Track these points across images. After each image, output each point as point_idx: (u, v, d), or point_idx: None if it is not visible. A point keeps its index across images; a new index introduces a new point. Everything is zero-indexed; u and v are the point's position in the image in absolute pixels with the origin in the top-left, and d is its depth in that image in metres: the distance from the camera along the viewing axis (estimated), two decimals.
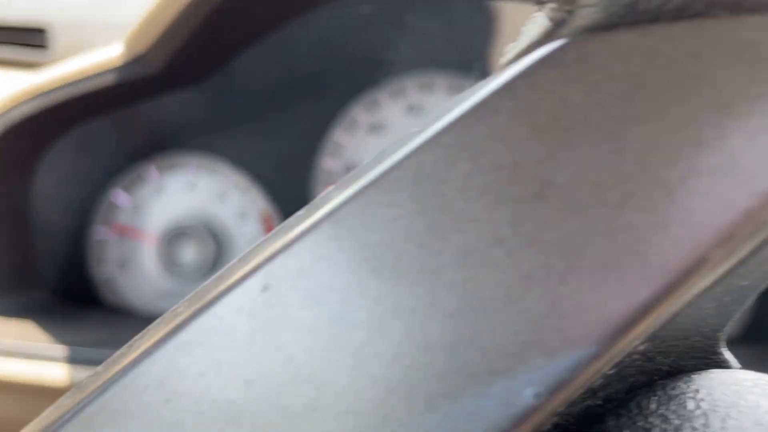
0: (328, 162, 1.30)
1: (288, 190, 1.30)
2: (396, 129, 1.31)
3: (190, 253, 1.25)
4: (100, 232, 1.27)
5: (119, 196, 1.27)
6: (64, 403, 0.28)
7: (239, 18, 0.96)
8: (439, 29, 1.18)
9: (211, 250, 1.25)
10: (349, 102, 1.28)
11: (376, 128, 1.32)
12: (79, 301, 1.21)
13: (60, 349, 0.87)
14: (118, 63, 0.91)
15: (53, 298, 1.14)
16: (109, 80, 0.91)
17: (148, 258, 1.28)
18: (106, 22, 1.33)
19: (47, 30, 1.32)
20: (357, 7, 1.09)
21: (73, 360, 0.85)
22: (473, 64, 1.21)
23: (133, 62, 0.92)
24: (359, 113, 1.30)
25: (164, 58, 0.92)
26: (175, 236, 1.24)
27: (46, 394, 0.86)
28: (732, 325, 1.26)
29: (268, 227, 1.30)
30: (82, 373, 0.84)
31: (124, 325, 1.09)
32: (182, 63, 0.94)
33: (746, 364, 0.94)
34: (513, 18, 1.14)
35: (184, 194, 1.30)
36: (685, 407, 0.27)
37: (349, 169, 1.32)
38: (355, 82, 1.26)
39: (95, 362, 0.86)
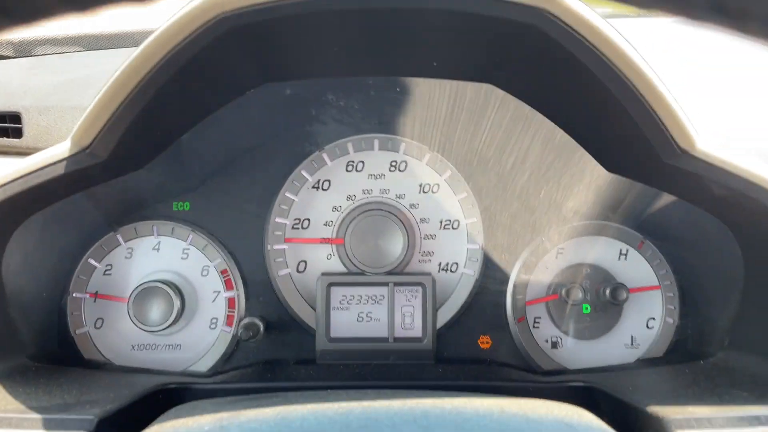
0: (277, 218, 1.37)
1: (243, 246, 1.36)
2: (339, 184, 1.38)
3: (157, 308, 1.30)
4: (75, 296, 1.33)
5: (91, 263, 1.33)
6: None
7: (173, 109, 1.02)
8: (357, 104, 1.25)
9: (176, 305, 1.30)
10: (292, 165, 1.35)
11: (320, 184, 1.38)
12: (58, 361, 1.26)
13: (24, 417, 0.92)
14: (65, 156, 0.98)
15: (31, 361, 1.19)
16: (57, 172, 0.97)
17: (120, 316, 1.33)
18: (74, 105, 1.40)
19: (22, 114, 1.39)
20: (281, 89, 1.16)
21: (35, 426, 0.90)
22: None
23: (79, 155, 0.98)
24: (304, 173, 1.37)
25: (107, 149, 0.98)
26: (143, 295, 1.30)
27: None
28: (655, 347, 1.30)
29: (228, 280, 1.36)
30: None
31: (92, 384, 1.13)
32: (124, 152, 1.00)
33: (665, 381, 0.99)
34: (421, 91, 1.21)
35: (149, 256, 1.36)
36: None
37: (297, 222, 1.38)
38: (292, 152, 1.33)
39: (56, 427, 0.91)
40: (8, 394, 1.01)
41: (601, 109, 1.00)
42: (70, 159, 0.98)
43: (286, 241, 1.37)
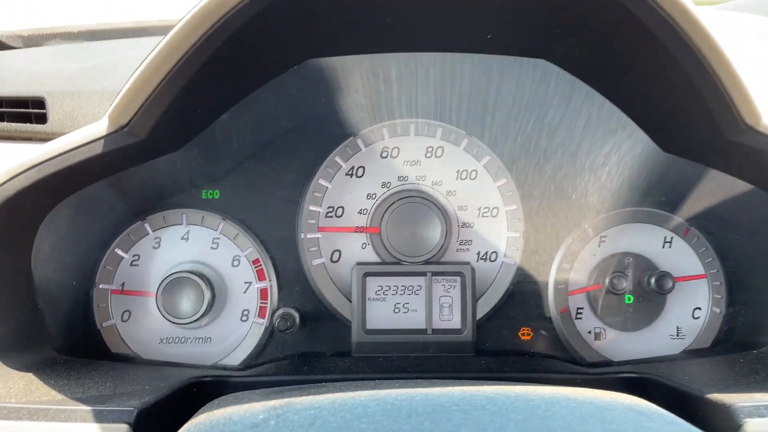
0: (311, 206, 1.33)
1: (275, 235, 1.32)
2: (374, 171, 1.34)
3: (187, 300, 1.26)
4: (101, 288, 1.28)
5: (118, 254, 1.29)
6: None
7: (212, 88, 0.98)
8: (398, 85, 1.21)
9: (206, 296, 1.26)
10: (326, 151, 1.31)
11: (354, 171, 1.34)
12: (84, 353, 1.21)
13: (62, 408, 0.88)
14: (103, 135, 0.94)
15: (58, 353, 1.15)
16: (95, 152, 0.93)
17: (148, 308, 1.29)
18: (98, 89, 1.36)
19: (46, 99, 1.35)
20: (323, 67, 1.12)
21: (72, 418, 0.86)
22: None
23: (117, 134, 0.94)
24: (338, 159, 1.33)
25: (146, 128, 0.94)
26: (171, 286, 1.25)
27: None
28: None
29: (259, 271, 1.32)
30: (82, 431, 0.84)
31: (124, 376, 1.09)
32: (163, 131, 0.96)
33: (722, 371, 0.95)
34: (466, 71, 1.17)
35: (178, 247, 1.31)
36: None
37: (331, 210, 1.34)
38: (326, 137, 1.29)
39: (95, 419, 0.87)
40: (42, 386, 0.97)
41: (666, 84, 0.96)
42: (108, 138, 0.94)
43: (320, 230, 1.33)
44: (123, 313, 1.30)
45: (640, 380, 1.13)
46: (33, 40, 2.05)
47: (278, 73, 1.10)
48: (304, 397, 0.83)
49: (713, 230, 1.29)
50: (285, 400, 0.83)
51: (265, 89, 1.12)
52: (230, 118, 1.12)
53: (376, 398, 0.79)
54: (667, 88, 0.97)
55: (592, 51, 1.03)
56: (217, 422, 0.79)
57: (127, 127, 0.94)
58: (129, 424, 0.88)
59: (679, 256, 1.33)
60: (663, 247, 1.33)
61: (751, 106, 0.91)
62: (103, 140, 0.94)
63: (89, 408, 0.90)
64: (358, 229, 1.33)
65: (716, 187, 1.18)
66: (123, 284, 1.30)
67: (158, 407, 0.96)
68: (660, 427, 0.78)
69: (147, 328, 1.30)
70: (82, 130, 0.96)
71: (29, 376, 1.01)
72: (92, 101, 1.32)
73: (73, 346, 1.22)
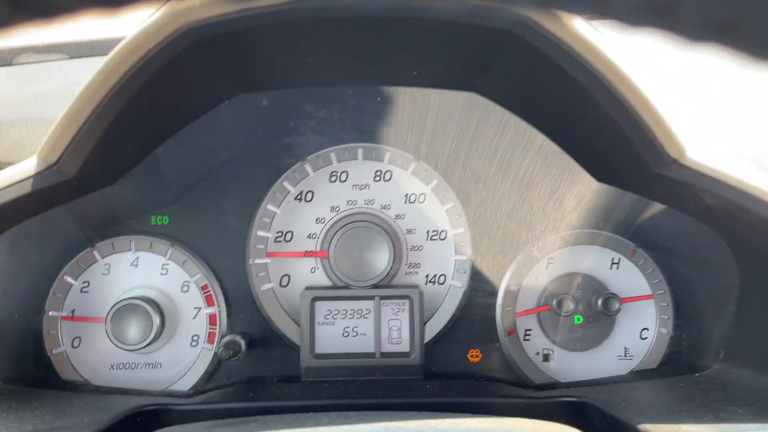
0: (259, 231, 1.33)
1: (224, 260, 1.32)
2: (323, 195, 1.34)
3: (136, 326, 1.26)
4: (51, 315, 1.29)
5: (67, 281, 1.29)
6: None
7: (142, 123, 0.98)
8: (337, 114, 1.21)
9: (155, 322, 1.26)
10: (274, 177, 1.31)
11: (303, 196, 1.35)
12: (34, 382, 1.22)
13: None
14: (32, 174, 0.94)
15: (4, 383, 1.16)
16: (24, 190, 0.94)
17: (98, 334, 1.29)
18: (47, 117, 1.36)
19: None
20: (257, 100, 1.12)
21: None
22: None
23: (46, 172, 0.94)
24: (287, 184, 1.33)
25: (76, 166, 0.95)
26: (121, 312, 1.26)
27: None
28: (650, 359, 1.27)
29: (208, 296, 1.32)
30: None
31: (67, 408, 1.10)
32: (94, 167, 0.97)
33: (659, 396, 0.96)
34: (404, 100, 1.18)
35: (128, 273, 1.32)
36: None
37: (280, 235, 1.34)
38: (272, 163, 1.29)
39: None
40: None
41: (589, 118, 0.97)
42: (37, 176, 0.95)
43: (269, 255, 1.33)
44: (73, 339, 1.30)
45: (581, 405, 1.13)
46: (5, 56, 2.05)
47: (211, 108, 1.10)
48: None
49: (658, 254, 1.30)
50: None
51: (200, 123, 1.12)
52: (165, 151, 1.12)
53: None
54: (591, 123, 0.98)
55: (516, 85, 1.03)
56: None
57: (56, 165, 0.95)
58: None
59: (627, 276, 1.34)
60: (611, 268, 1.34)
61: (673, 140, 0.91)
62: (32, 179, 0.95)
63: None
64: (307, 254, 1.34)
65: (653, 214, 1.18)
66: (73, 311, 1.30)
67: None
68: None
69: (98, 354, 1.30)
70: (11, 168, 0.96)
71: None
72: (40, 130, 1.32)
73: (22, 375, 1.22)
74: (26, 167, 0.96)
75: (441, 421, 0.87)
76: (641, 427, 0.95)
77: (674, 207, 1.08)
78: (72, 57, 1.98)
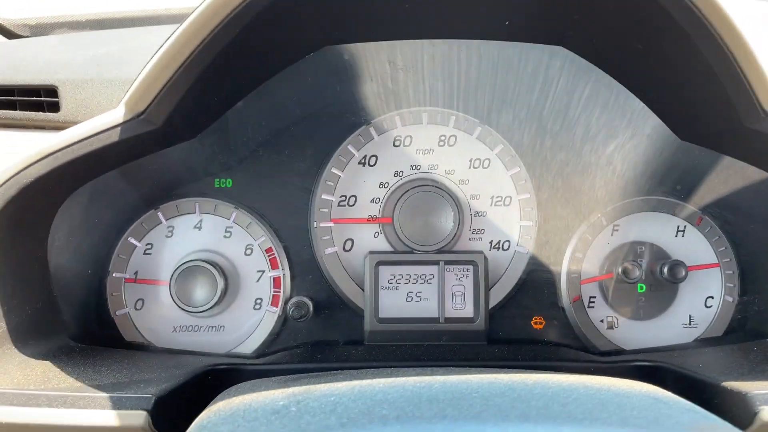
0: (323, 195, 1.33)
1: (288, 223, 1.32)
2: (386, 159, 1.34)
3: (200, 288, 1.26)
4: (115, 276, 1.29)
5: (131, 242, 1.29)
6: None
7: (228, 76, 0.98)
8: (413, 72, 1.20)
9: (219, 285, 1.26)
10: (339, 139, 1.31)
11: (367, 160, 1.34)
12: (98, 342, 1.22)
13: (80, 395, 0.88)
14: (120, 122, 0.94)
15: (74, 342, 1.16)
16: (111, 139, 0.93)
17: (161, 297, 1.29)
18: (110, 78, 1.36)
19: (59, 87, 1.35)
20: (340, 53, 1.11)
21: (91, 404, 0.87)
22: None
23: (133, 121, 0.94)
24: (351, 148, 1.33)
25: (162, 116, 0.94)
26: (185, 275, 1.25)
27: None
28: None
29: (272, 259, 1.32)
30: (101, 417, 0.85)
31: (140, 364, 1.10)
32: (179, 119, 0.96)
33: (736, 359, 0.95)
34: (480, 57, 1.17)
35: (191, 235, 1.31)
36: None
37: (344, 199, 1.34)
38: (339, 125, 1.29)
39: (113, 406, 0.87)
40: (59, 374, 0.98)
41: (685, 71, 0.96)
42: (125, 125, 0.94)
43: (333, 221, 1.33)
44: (137, 301, 1.30)
45: (654, 368, 1.13)
46: (40, 29, 2.04)
47: (294, 61, 1.09)
48: (322, 385, 0.83)
49: (727, 218, 1.29)
50: (304, 387, 0.83)
51: (281, 77, 1.11)
52: (245, 106, 1.11)
53: (396, 385, 0.80)
54: (686, 76, 0.97)
55: (611, 38, 1.02)
56: (237, 409, 0.79)
57: (143, 114, 0.94)
58: (147, 410, 0.89)
59: (692, 244, 1.33)
60: (676, 236, 1.33)
61: None
62: (119, 128, 0.94)
63: (107, 395, 0.91)
64: (370, 220, 1.33)
65: (731, 176, 1.17)
66: (136, 273, 1.30)
67: (175, 395, 0.97)
68: (678, 413, 0.78)
69: (160, 316, 1.30)
70: (99, 117, 0.96)
71: (46, 364, 1.01)
72: (105, 90, 1.32)
73: (88, 334, 1.22)
74: (114, 117, 0.95)
75: (537, 375, 0.86)
76: (726, 384, 0.94)
77: (759, 165, 1.07)
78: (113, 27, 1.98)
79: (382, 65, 1.18)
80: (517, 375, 0.86)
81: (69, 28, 2.10)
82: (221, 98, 1.07)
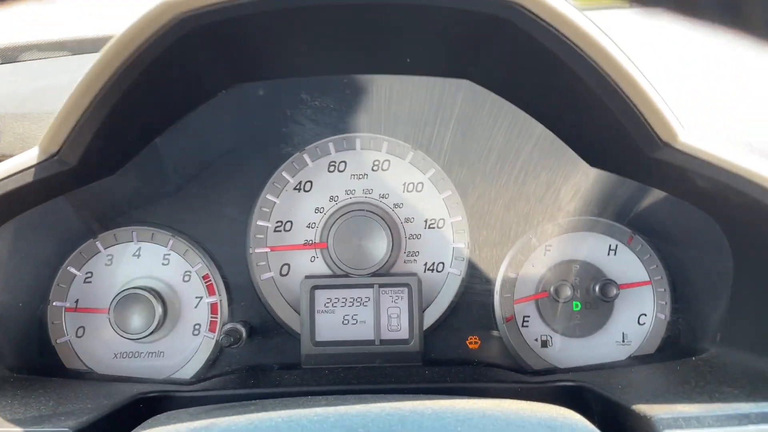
0: (259, 221, 1.35)
1: (224, 250, 1.34)
2: (321, 185, 1.36)
3: (138, 315, 1.28)
4: (55, 305, 1.31)
5: (71, 271, 1.31)
6: None
7: (140, 113, 1.00)
8: (333, 103, 1.22)
9: (158, 311, 1.28)
10: (273, 167, 1.33)
11: (302, 186, 1.36)
12: (39, 371, 1.24)
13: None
14: (34, 164, 0.96)
15: (10, 372, 1.18)
16: (26, 180, 0.96)
17: (102, 324, 1.31)
18: (49, 111, 1.39)
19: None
20: (254, 89, 1.13)
21: None
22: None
23: (47, 162, 0.96)
24: (285, 175, 1.35)
25: (76, 155, 0.96)
26: (124, 302, 1.28)
27: None
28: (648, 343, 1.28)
29: (209, 285, 1.34)
30: None
31: (70, 395, 1.12)
32: (94, 157, 0.98)
33: (656, 379, 0.97)
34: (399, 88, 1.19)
35: (130, 263, 1.34)
36: None
37: (280, 224, 1.36)
38: (271, 153, 1.31)
39: None
40: None
41: (580, 104, 0.98)
42: (39, 166, 0.97)
43: (269, 248, 1.35)
44: (78, 329, 1.32)
45: (579, 389, 1.15)
46: (9, 54, 2.07)
47: (206, 99, 1.11)
48: (224, 419, 0.85)
49: (654, 239, 1.31)
50: (207, 422, 0.85)
51: (198, 114, 1.14)
52: (164, 142, 1.14)
53: (290, 420, 0.82)
54: (584, 108, 0.99)
55: (508, 72, 1.04)
56: None
57: (57, 155, 0.97)
58: None
59: (625, 263, 1.35)
60: (608, 255, 1.35)
61: (665, 124, 0.92)
62: (34, 169, 0.97)
63: (24, 430, 0.93)
64: (305, 246, 1.35)
65: (648, 199, 1.19)
66: (77, 301, 1.32)
67: (98, 426, 0.99)
68: None
69: (101, 343, 1.33)
70: (14, 158, 0.98)
71: None
72: (42, 123, 1.35)
73: (27, 364, 1.24)
74: (28, 158, 0.97)
75: (437, 403, 0.88)
76: (635, 408, 0.96)
77: (668, 191, 1.09)
78: (74, 53, 2.01)
79: (299, 98, 1.21)
80: (415, 405, 0.88)
81: (38, 50, 2.13)
82: (136, 136, 1.09)
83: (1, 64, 2.02)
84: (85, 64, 1.66)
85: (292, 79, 1.15)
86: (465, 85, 1.13)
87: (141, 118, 1.04)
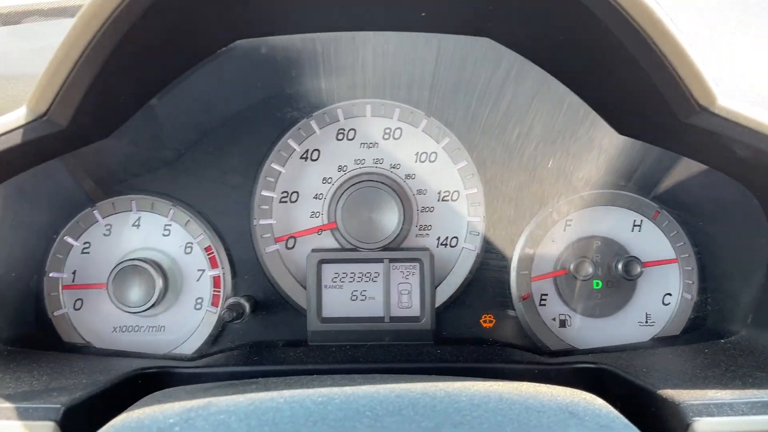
0: (264, 191, 1.29)
1: (227, 221, 1.29)
2: (329, 154, 1.29)
3: (138, 288, 1.23)
4: (51, 276, 1.26)
5: (68, 242, 1.26)
6: None
7: (134, 71, 0.93)
8: (344, 64, 1.15)
9: (158, 284, 1.23)
10: (278, 134, 1.26)
11: (309, 154, 1.30)
12: (36, 344, 1.20)
13: None
14: (21, 124, 0.90)
15: (4, 345, 1.14)
16: (14, 141, 0.90)
17: (101, 297, 1.26)
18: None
19: None
20: (255, 47, 1.06)
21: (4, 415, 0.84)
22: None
23: (36, 122, 0.90)
24: (291, 142, 1.28)
25: (67, 116, 0.90)
26: (123, 274, 1.23)
27: None
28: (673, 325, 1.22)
29: (212, 258, 1.29)
30: (7, 430, 0.83)
31: (70, 367, 1.07)
32: (86, 118, 0.92)
33: (683, 362, 0.90)
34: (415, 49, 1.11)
35: (129, 233, 1.28)
36: None
37: (285, 195, 1.30)
38: (277, 119, 1.24)
39: (20, 417, 0.85)
40: None
41: (611, 63, 0.90)
42: (27, 127, 0.90)
43: (276, 240, 1.29)
44: (75, 301, 1.28)
45: (599, 371, 1.09)
46: (12, 18, 2.01)
47: (202, 58, 1.04)
48: (222, 399, 0.80)
49: (683, 214, 1.23)
50: (202, 402, 0.80)
51: (196, 74, 1.07)
52: (161, 103, 1.07)
53: (291, 402, 0.77)
54: (615, 69, 0.91)
55: (532, 29, 0.96)
56: (133, 424, 0.77)
57: (46, 115, 0.90)
58: (56, 421, 0.86)
59: (650, 239, 1.28)
60: (632, 231, 1.28)
61: (703, 87, 0.84)
62: (21, 130, 0.90)
63: (15, 405, 0.88)
64: (314, 230, 1.29)
65: (677, 170, 1.12)
66: (74, 272, 1.28)
67: (91, 403, 0.94)
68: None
69: (100, 316, 1.28)
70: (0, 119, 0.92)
71: None
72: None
73: (23, 337, 1.20)
74: (15, 117, 0.91)
75: (450, 384, 0.83)
76: (661, 392, 0.90)
77: (702, 161, 1.01)
78: (74, 17, 1.94)
79: (307, 59, 1.13)
80: (427, 387, 0.82)
81: (41, 15, 2.07)
82: (130, 95, 1.02)
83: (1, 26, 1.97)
84: None
85: (299, 36, 1.08)
86: (484, 43, 1.05)
87: (134, 75, 0.98)
